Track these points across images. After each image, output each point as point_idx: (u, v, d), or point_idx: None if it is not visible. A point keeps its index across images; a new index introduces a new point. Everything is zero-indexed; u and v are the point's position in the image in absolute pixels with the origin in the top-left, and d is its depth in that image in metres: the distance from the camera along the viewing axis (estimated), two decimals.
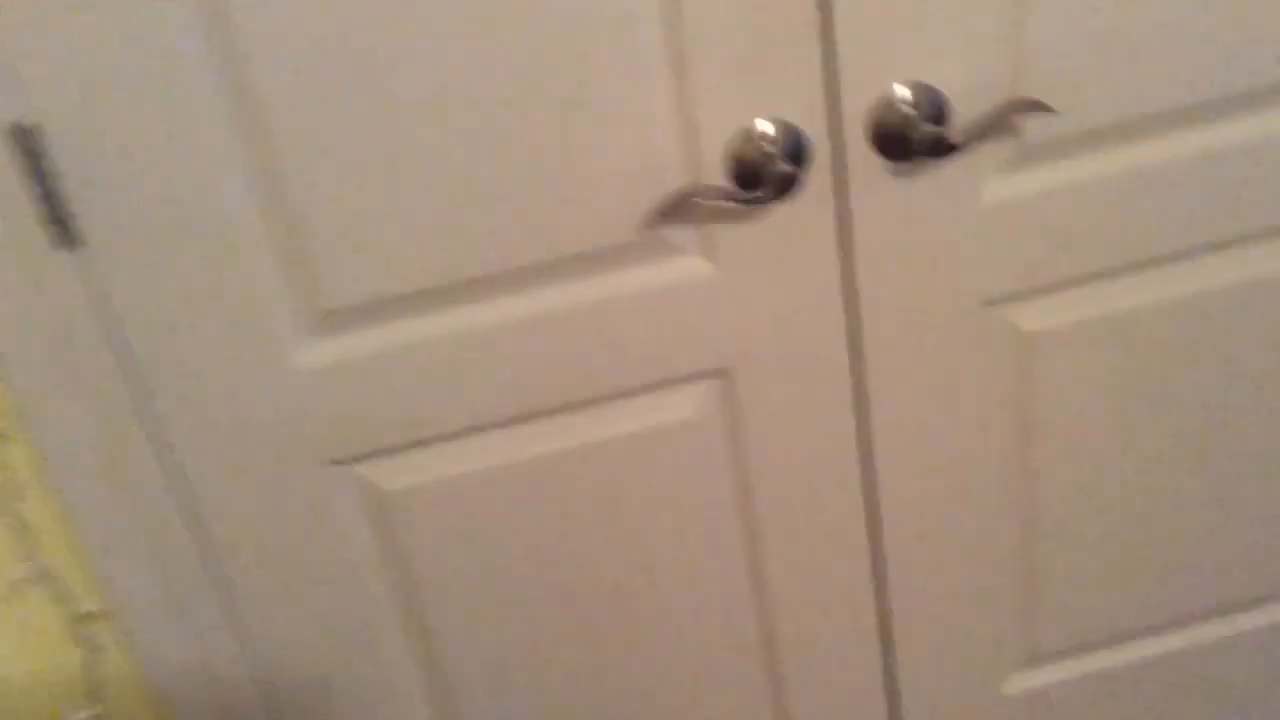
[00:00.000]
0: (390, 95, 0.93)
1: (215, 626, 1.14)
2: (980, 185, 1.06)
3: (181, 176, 0.93)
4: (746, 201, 0.98)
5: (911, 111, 0.99)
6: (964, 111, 1.01)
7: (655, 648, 1.25)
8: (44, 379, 0.99)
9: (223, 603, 1.13)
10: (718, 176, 1.01)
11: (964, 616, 1.30)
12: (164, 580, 1.10)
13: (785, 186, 0.98)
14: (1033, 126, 1.04)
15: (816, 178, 1.02)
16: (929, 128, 0.98)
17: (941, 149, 0.99)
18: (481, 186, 0.98)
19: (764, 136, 0.99)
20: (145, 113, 0.91)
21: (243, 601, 1.13)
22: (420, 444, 1.09)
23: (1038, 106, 1.00)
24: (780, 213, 1.03)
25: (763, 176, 0.98)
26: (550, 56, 0.94)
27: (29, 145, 0.90)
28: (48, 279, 0.95)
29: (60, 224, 0.93)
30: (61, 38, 0.87)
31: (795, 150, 0.99)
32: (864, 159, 1.02)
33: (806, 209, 1.03)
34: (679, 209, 0.99)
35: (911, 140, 0.99)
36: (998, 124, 1.00)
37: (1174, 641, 1.38)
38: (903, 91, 0.99)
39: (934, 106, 1.00)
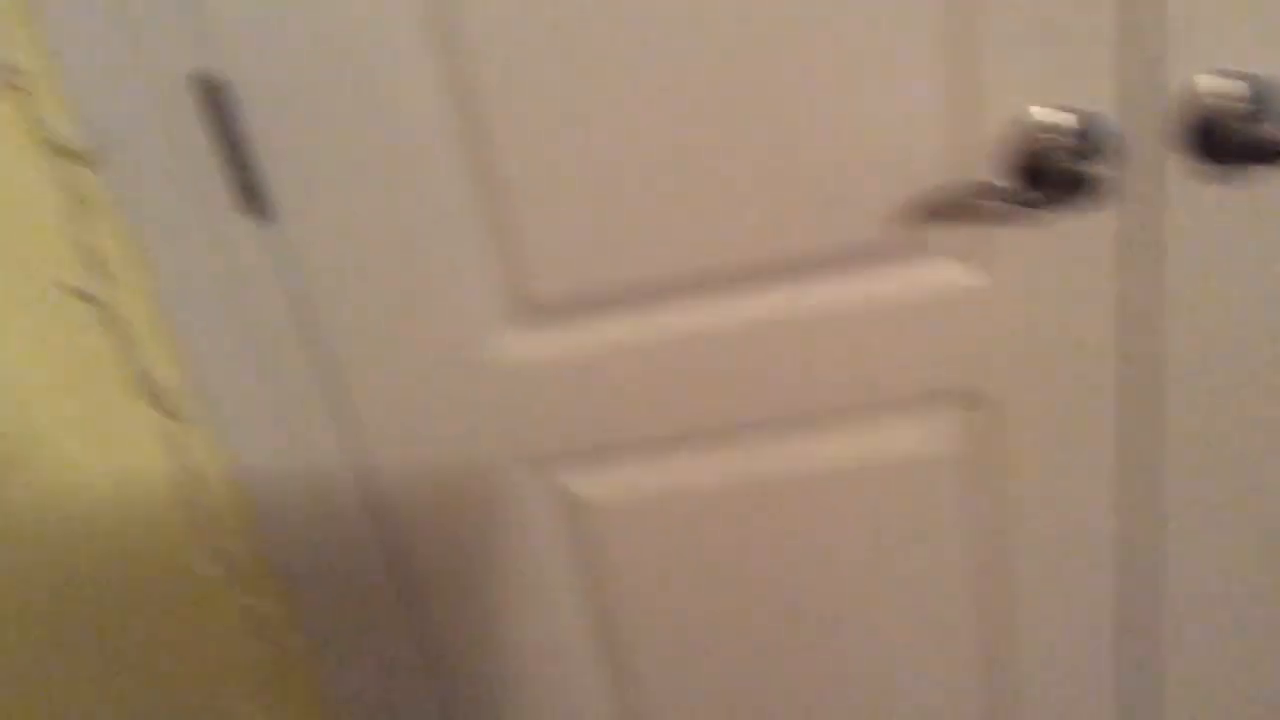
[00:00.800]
0: (624, 67, 0.84)
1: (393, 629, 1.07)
2: None
3: (385, 147, 0.87)
4: (1032, 205, 0.84)
5: (1239, 107, 0.83)
6: None
7: (864, 697, 1.12)
8: (226, 353, 0.93)
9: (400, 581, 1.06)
10: (995, 172, 0.86)
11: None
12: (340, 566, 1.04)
13: (1076, 189, 0.83)
14: None
15: (1114, 179, 0.87)
16: (1260, 127, 0.82)
17: (1275, 153, 0.82)
18: (717, 172, 0.87)
19: (1054, 128, 0.84)
20: (349, 74, 0.83)
21: (420, 598, 1.06)
22: (624, 450, 1.00)
23: None
24: (1064, 218, 0.88)
25: (1049, 176, 0.85)
26: (808, 26, 0.81)
27: (218, 101, 0.82)
28: (234, 246, 0.89)
29: (249, 191, 0.85)
30: None
31: (1091, 146, 0.85)
32: (1174, 160, 0.86)
33: (1098, 216, 0.88)
34: (951, 208, 0.85)
35: (1236, 141, 0.84)
36: None
37: None
38: (1228, 83, 0.83)
39: (1265, 102, 0.83)
